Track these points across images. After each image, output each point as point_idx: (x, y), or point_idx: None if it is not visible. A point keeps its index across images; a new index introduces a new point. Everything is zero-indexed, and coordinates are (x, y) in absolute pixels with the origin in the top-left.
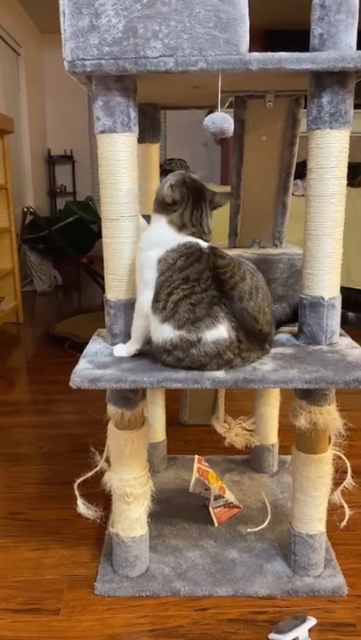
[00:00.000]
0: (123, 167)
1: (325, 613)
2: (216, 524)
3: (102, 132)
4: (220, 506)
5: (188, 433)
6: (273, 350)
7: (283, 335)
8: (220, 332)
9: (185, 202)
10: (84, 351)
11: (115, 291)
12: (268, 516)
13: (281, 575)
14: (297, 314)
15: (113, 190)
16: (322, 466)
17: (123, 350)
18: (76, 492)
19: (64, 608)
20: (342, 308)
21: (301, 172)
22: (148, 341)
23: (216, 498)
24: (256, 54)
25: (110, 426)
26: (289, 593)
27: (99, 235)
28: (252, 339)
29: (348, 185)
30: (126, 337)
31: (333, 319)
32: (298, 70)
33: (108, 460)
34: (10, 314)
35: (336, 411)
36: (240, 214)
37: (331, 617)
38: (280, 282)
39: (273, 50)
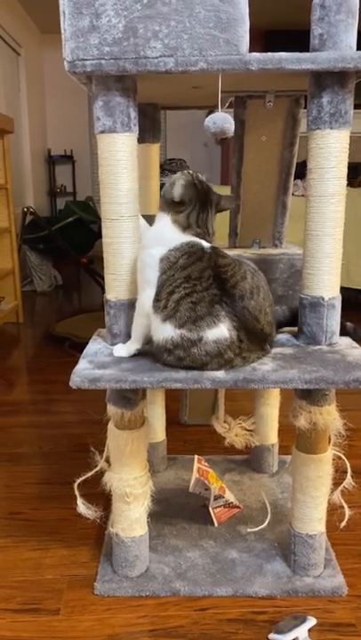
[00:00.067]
0: (123, 167)
1: (325, 613)
2: (216, 524)
3: (102, 131)
4: (220, 506)
5: (188, 433)
6: (273, 350)
7: (283, 335)
8: (221, 330)
9: (193, 204)
10: (84, 351)
11: (115, 291)
12: (268, 516)
13: (281, 575)
14: (296, 317)
15: (113, 190)
16: (322, 466)
17: (123, 350)
18: (76, 492)
19: (64, 608)
20: (342, 308)
21: (301, 172)
22: (148, 341)
23: (216, 498)
24: (256, 54)
25: (110, 426)
26: (289, 593)
27: (99, 235)
28: (253, 338)
29: (348, 185)
30: (126, 337)
31: (333, 319)
32: (298, 70)
33: (108, 460)
34: (10, 314)
35: (336, 411)
36: (240, 214)
37: (331, 617)
38: (280, 282)
39: (273, 50)
